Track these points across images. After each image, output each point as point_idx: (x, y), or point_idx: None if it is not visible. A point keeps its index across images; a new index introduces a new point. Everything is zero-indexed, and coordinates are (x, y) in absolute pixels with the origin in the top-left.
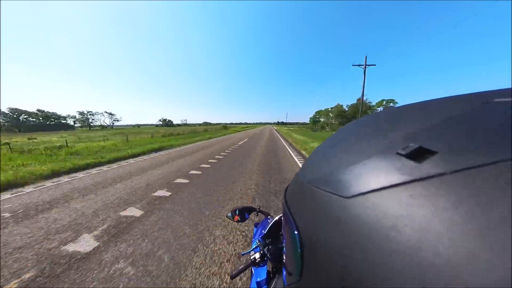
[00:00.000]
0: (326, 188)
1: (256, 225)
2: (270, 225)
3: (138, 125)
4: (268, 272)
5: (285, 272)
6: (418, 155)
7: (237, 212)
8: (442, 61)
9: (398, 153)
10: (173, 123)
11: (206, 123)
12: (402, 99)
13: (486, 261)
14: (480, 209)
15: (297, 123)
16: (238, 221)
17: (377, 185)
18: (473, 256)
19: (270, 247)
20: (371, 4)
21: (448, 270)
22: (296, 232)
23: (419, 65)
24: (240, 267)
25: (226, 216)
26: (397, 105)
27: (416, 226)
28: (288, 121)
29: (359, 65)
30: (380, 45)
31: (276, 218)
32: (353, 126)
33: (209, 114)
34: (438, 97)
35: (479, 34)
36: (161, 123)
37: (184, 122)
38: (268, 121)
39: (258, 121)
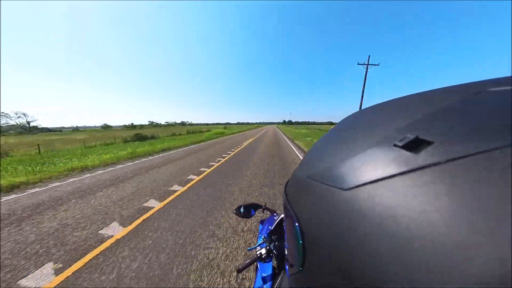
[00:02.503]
0: (325, 182)
1: (262, 222)
2: (277, 221)
3: None
4: (273, 268)
5: (287, 266)
6: (415, 146)
7: (243, 208)
8: (441, 61)
9: (395, 145)
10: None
11: (183, 123)
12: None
13: (483, 247)
14: (475, 195)
15: (312, 123)
16: (244, 217)
17: (374, 177)
18: (469, 242)
19: (276, 243)
20: (371, 4)
21: (445, 257)
22: (296, 224)
23: (418, 66)
24: (247, 262)
25: (233, 212)
26: None
27: (413, 215)
28: (292, 120)
29: (363, 64)
30: (382, 47)
31: (282, 215)
32: (350, 120)
33: (208, 114)
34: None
35: (478, 34)
36: None
37: (105, 124)
38: (271, 121)
39: (260, 121)
